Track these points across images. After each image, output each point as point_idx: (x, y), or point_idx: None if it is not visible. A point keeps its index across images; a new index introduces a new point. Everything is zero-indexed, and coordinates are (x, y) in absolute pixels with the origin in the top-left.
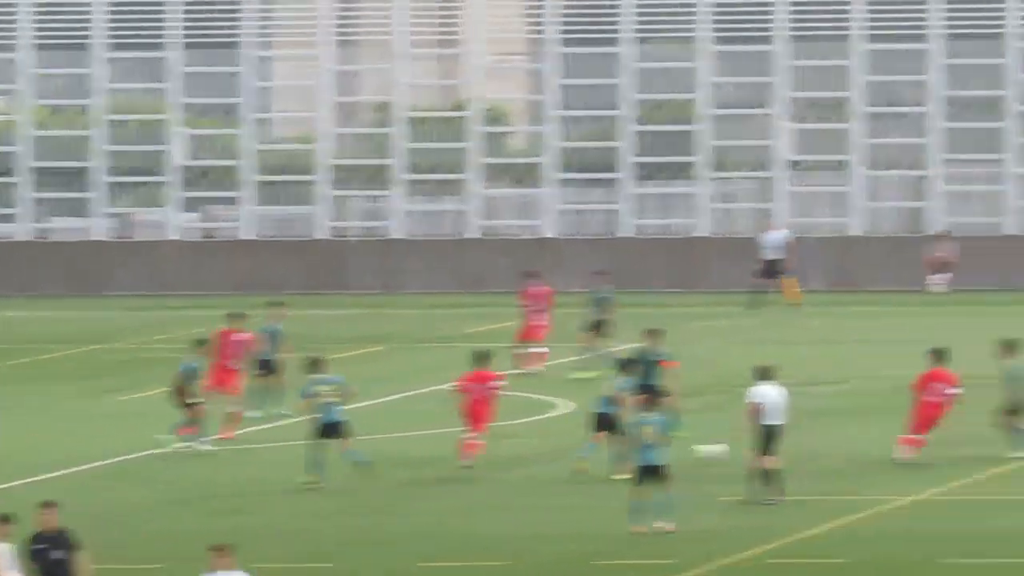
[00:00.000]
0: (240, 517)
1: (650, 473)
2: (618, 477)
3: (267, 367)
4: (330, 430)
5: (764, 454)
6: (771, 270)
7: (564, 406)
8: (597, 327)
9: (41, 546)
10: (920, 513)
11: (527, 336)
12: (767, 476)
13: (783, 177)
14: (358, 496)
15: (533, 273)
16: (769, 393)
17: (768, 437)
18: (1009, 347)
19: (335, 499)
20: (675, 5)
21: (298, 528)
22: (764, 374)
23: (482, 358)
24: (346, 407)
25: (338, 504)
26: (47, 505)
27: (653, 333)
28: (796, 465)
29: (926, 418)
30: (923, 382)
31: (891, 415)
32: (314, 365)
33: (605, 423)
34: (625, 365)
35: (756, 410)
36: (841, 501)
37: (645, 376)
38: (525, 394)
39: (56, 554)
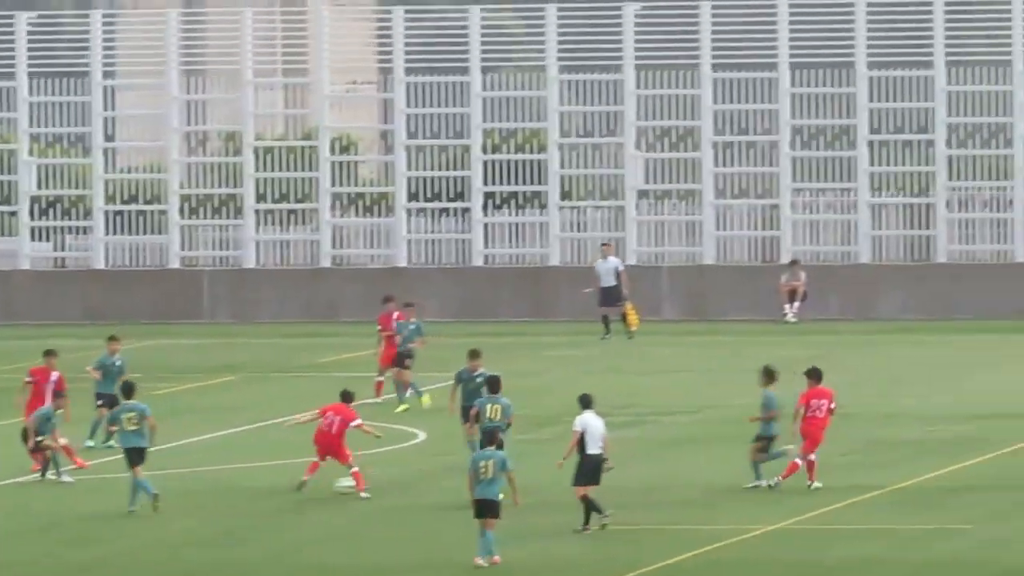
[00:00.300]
0: (93, 546)
1: (487, 508)
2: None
3: (105, 399)
4: (130, 456)
5: (584, 484)
6: (607, 298)
7: (424, 435)
8: (401, 359)
9: None
10: (779, 541)
11: (386, 362)
12: (592, 505)
13: (634, 206)
14: (212, 525)
15: (389, 298)
16: (592, 422)
17: (592, 466)
18: (768, 374)
19: (188, 528)
20: (521, 35)
21: (150, 557)
22: (586, 402)
23: (346, 396)
24: (149, 436)
25: (191, 533)
26: None
27: (474, 353)
28: (652, 495)
29: (812, 435)
30: (805, 400)
31: (744, 444)
32: (125, 392)
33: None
34: (492, 385)
35: (579, 439)
36: (700, 530)
37: (467, 398)
38: (388, 424)
39: None
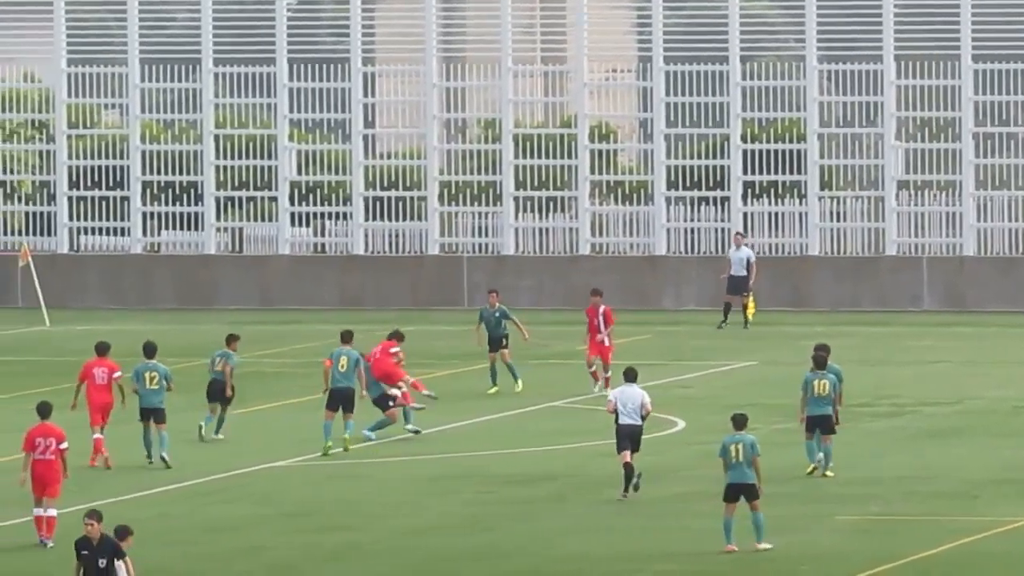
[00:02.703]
0: (344, 532)
1: (740, 491)
2: None
3: None
4: (149, 414)
5: (621, 451)
6: (735, 286)
7: (683, 424)
8: (496, 344)
9: (84, 551)
10: None
11: (593, 352)
12: (628, 470)
13: (894, 196)
14: (464, 512)
15: (596, 291)
16: (627, 393)
17: (624, 435)
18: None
19: (442, 513)
20: (781, 23)
21: (400, 544)
22: (629, 375)
23: (396, 335)
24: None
25: (440, 521)
26: (90, 515)
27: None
28: (911, 485)
29: None
30: None
31: (1002, 437)
32: (147, 352)
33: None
34: (824, 358)
35: (612, 409)
36: (960, 521)
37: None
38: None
39: (102, 560)
